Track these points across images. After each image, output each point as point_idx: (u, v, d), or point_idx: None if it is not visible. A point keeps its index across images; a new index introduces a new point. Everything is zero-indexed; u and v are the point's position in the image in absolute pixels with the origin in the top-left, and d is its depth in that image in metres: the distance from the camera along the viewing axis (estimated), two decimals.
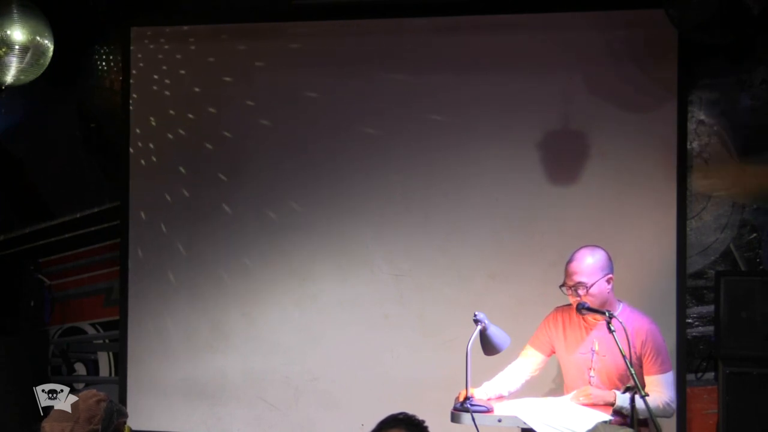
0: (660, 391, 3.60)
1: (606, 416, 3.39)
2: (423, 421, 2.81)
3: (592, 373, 3.68)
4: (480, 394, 3.68)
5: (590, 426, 3.28)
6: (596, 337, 3.69)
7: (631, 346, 3.47)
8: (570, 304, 3.79)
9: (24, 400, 4.25)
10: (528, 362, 3.87)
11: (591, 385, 3.64)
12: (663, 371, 3.65)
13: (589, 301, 3.59)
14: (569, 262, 3.67)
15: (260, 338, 5.01)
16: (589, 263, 3.63)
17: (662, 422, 3.38)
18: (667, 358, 3.69)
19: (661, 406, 3.56)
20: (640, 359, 3.61)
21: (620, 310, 3.67)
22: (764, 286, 4.11)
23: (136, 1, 5.11)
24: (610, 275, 3.66)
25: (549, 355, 3.88)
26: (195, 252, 5.11)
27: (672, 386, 3.68)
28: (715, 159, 4.59)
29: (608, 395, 3.55)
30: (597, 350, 3.68)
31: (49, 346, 5.36)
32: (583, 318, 3.72)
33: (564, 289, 3.68)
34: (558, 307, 3.89)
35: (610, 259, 3.69)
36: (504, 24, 4.81)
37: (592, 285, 3.60)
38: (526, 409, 3.45)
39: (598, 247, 3.70)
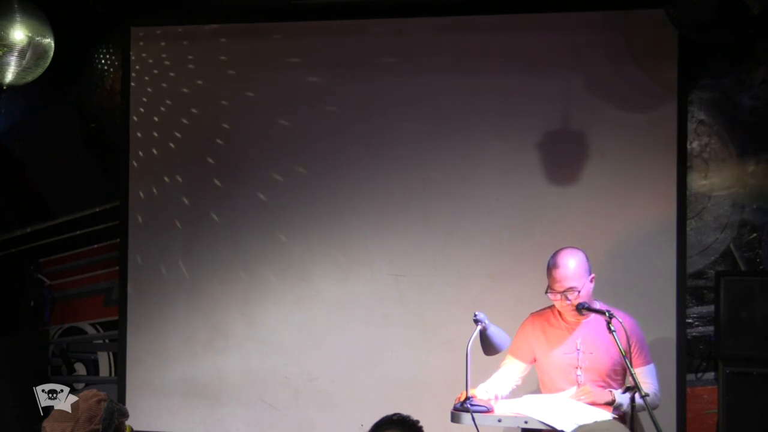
0: (647, 382, 3.63)
1: (609, 414, 3.39)
2: (417, 422, 2.81)
3: (579, 372, 3.68)
4: (480, 394, 3.68)
5: (586, 421, 3.27)
6: (580, 336, 3.70)
7: (628, 343, 3.48)
8: (545, 308, 3.81)
9: (24, 400, 4.25)
10: (511, 371, 3.86)
11: (579, 384, 3.64)
12: (647, 363, 3.70)
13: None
14: (554, 267, 3.64)
15: (259, 338, 5.01)
16: (574, 267, 3.62)
17: (662, 421, 3.37)
18: (648, 350, 3.73)
19: (650, 397, 3.56)
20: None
21: (598, 308, 3.67)
22: (764, 286, 4.11)
23: (136, 1, 5.11)
24: (593, 275, 3.69)
25: (531, 363, 3.86)
26: (194, 252, 5.11)
27: (656, 377, 3.71)
28: (715, 159, 4.59)
29: (606, 395, 3.55)
30: (581, 349, 3.68)
31: (49, 346, 5.36)
32: (563, 319, 3.72)
33: (549, 294, 3.66)
34: (533, 313, 3.89)
35: (588, 258, 3.71)
36: (504, 24, 4.81)
37: (581, 288, 3.61)
38: (528, 406, 3.45)
39: (577, 249, 3.71)
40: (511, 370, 3.86)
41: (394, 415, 2.82)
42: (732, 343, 4.12)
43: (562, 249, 3.71)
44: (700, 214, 4.60)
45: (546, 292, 3.67)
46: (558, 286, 3.63)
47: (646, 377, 3.65)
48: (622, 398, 3.49)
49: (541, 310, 3.86)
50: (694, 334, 4.57)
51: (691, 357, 4.56)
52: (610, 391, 3.56)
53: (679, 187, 4.56)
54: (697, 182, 4.60)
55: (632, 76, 4.61)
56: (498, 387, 3.79)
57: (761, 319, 4.07)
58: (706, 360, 4.53)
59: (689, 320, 4.57)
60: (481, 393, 3.66)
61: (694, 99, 4.61)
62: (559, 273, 3.62)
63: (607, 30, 4.67)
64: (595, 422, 3.12)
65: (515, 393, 3.88)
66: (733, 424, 4.11)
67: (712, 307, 4.45)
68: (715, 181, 4.59)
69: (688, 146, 4.60)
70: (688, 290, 4.56)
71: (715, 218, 4.59)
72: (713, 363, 4.47)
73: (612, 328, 3.38)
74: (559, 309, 3.70)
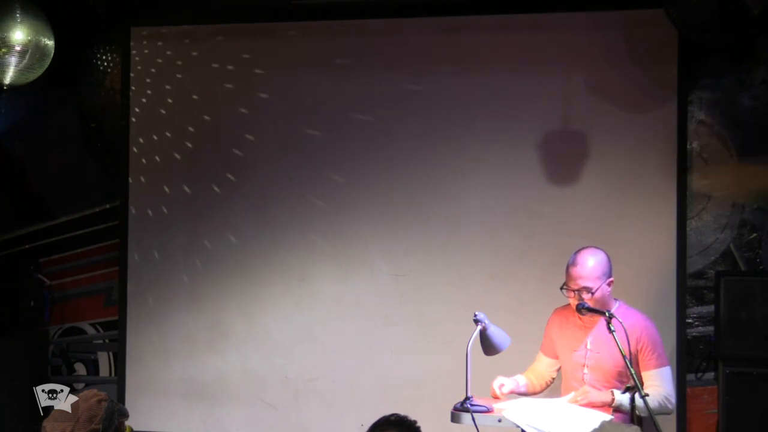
0: (658, 385, 3.59)
1: (607, 416, 3.38)
2: (415, 422, 2.81)
3: (585, 371, 3.69)
4: (510, 384, 3.72)
5: (591, 427, 3.27)
6: (592, 335, 3.70)
7: (628, 344, 3.47)
8: (567, 305, 3.80)
9: (24, 400, 4.25)
10: (541, 367, 3.91)
11: (585, 383, 3.64)
12: (659, 365, 3.64)
13: (592, 304, 3.60)
14: (572, 265, 3.65)
15: (259, 338, 5.01)
16: (592, 267, 3.62)
17: (662, 421, 3.37)
18: (663, 353, 3.69)
19: (660, 401, 3.54)
20: (636, 356, 3.61)
21: (616, 308, 3.67)
22: (764, 286, 4.11)
23: (136, 1, 5.11)
24: (611, 279, 3.68)
25: (558, 357, 3.89)
26: (194, 252, 5.11)
27: (670, 381, 3.67)
28: (715, 159, 4.59)
29: (605, 395, 3.55)
30: (590, 348, 3.69)
31: (49, 346, 5.36)
32: (580, 318, 3.72)
33: (565, 291, 3.67)
34: (557, 309, 3.91)
35: (610, 261, 3.70)
36: (504, 24, 4.81)
37: (596, 290, 3.61)
38: (525, 411, 3.45)
39: (600, 250, 3.71)
40: (540, 366, 3.91)
41: (392, 415, 2.82)
42: (732, 343, 4.12)
43: (584, 247, 3.71)
44: (700, 214, 4.60)
45: (561, 288, 3.68)
46: (573, 284, 3.64)
47: (656, 380, 3.61)
48: (623, 398, 3.49)
49: (564, 306, 3.85)
50: (694, 334, 4.57)
51: (691, 357, 4.56)
52: (612, 392, 3.56)
53: (679, 187, 4.56)
54: (697, 182, 4.60)
55: (632, 76, 4.61)
56: (523, 379, 3.83)
57: (761, 319, 4.07)
58: (706, 360, 4.53)
59: (689, 320, 4.57)
60: (510, 384, 3.71)
61: (694, 99, 4.61)
62: (575, 271, 3.63)
63: (607, 30, 4.67)
64: (620, 425, 3.12)
65: (552, 388, 3.93)
66: (733, 424, 4.10)
67: (712, 307, 4.45)
68: (715, 181, 4.59)
69: (688, 146, 4.60)
70: (688, 290, 4.56)
71: (715, 218, 4.59)
72: (713, 363, 4.47)
73: (612, 328, 3.38)
74: (573, 307, 3.69)
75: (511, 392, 3.74)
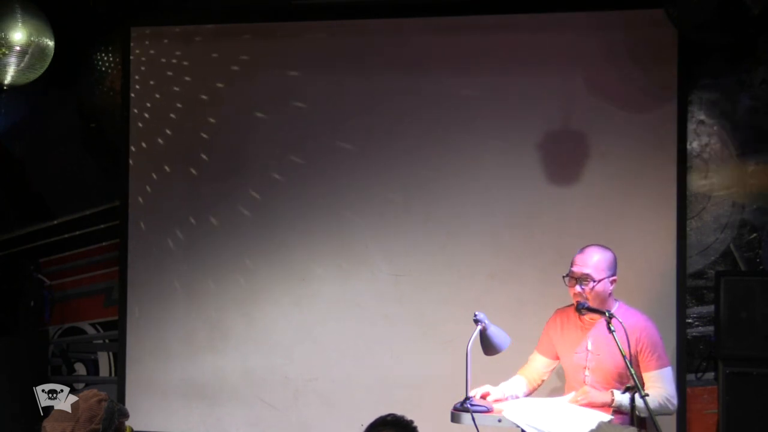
0: (659, 386, 3.59)
1: (607, 416, 3.39)
2: (411, 422, 2.82)
3: (586, 372, 3.69)
4: (497, 393, 3.69)
5: (590, 427, 3.28)
6: (591, 336, 3.69)
7: (628, 344, 3.47)
8: (569, 305, 3.79)
9: (24, 400, 4.25)
10: (535, 367, 3.89)
11: (586, 384, 3.64)
12: (660, 366, 3.63)
13: (591, 297, 3.60)
14: (578, 253, 3.69)
15: (259, 338, 5.01)
16: (599, 259, 3.65)
17: (662, 421, 3.37)
18: (664, 353, 3.68)
19: (661, 402, 3.55)
20: (636, 357, 3.61)
21: (616, 308, 3.67)
22: (764, 286, 4.11)
23: (136, 1, 5.11)
24: (615, 277, 3.68)
25: (555, 359, 3.88)
26: (194, 252, 5.11)
27: (672, 382, 3.67)
28: (715, 159, 4.60)
29: (606, 395, 3.55)
30: (591, 349, 3.68)
31: (49, 346, 5.36)
32: (580, 318, 3.72)
33: (567, 279, 3.67)
34: (558, 309, 3.90)
35: (616, 262, 3.71)
36: (504, 24, 4.81)
37: (599, 281, 3.61)
38: (526, 411, 3.45)
39: (608, 248, 3.73)
40: (535, 365, 3.89)
41: (388, 415, 2.83)
42: (732, 343, 4.12)
43: (594, 243, 3.74)
44: (700, 214, 4.60)
45: (564, 277, 3.68)
46: (575, 269, 3.64)
47: (657, 381, 3.61)
48: (623, 398, 3.49)
49: (565, 306, 3.85)
50: (694, 334, 4.57)
51: (691, 357, 4.56)
52: (611, 392, 3.56)
53: (679, 187, 4.56)
54: (697, 182, 4.60)
55: (632, 76, 4.61)
56: (517, 386, 3.81)
57: (761, 319, 4.08)
58: (706, 360, 4.53)
59: (689, 320, 4.57)
60: (496, 393, 3.68)
61: (694, 99, 4.61)
62: (579, 257, 3.67)
63: (607, 30, 4.67)
64: (616, 426, 3.13)
65: (543, 388, 3.93)
66: (733, 424, 4.11)
67: (712, 307, 4.45)
68: (715, 181, 4.59)
69: (688, 146, 4.60)
70: (688, 290, 4.56)
71: (715, 218, 4.59)
72: (713, 363, 4.47)
73: (612, 328, 3.38)
74: (573, 300, 3.68)
75: (497, 401, 3.69)
